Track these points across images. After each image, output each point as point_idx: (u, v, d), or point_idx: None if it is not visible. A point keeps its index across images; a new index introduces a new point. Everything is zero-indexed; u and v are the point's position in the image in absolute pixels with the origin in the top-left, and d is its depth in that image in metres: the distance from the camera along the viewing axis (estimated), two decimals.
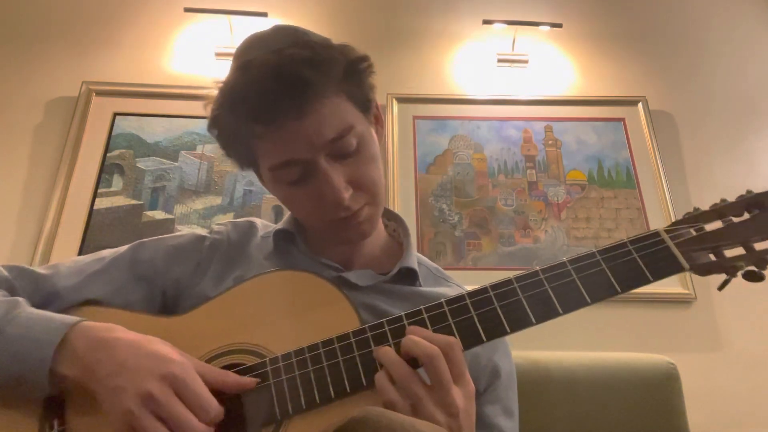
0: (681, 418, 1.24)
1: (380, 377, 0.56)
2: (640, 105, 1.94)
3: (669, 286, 1.67)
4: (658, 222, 1.75)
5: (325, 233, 0.75)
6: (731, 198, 0.62)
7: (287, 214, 0.85)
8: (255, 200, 1.76)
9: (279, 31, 0.72)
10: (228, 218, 1.72)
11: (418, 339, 0.56)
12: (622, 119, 1.93)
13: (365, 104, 0.73)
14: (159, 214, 1.72)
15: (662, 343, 1.60)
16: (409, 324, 0.59)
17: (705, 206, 0.63)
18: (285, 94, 0.64)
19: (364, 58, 0.72)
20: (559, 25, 1.95)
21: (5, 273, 0.71)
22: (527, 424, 1.21)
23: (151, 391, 0.53)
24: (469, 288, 0.86)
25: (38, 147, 1.78)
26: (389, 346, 0.58)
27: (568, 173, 1.85)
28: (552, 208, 1.79)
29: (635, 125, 1.91)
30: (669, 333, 1.63)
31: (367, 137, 0.71)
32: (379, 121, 0.79)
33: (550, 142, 1.90)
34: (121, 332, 0.60)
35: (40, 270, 0.73)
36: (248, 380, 0.59)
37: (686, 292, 1.66)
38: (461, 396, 0.55)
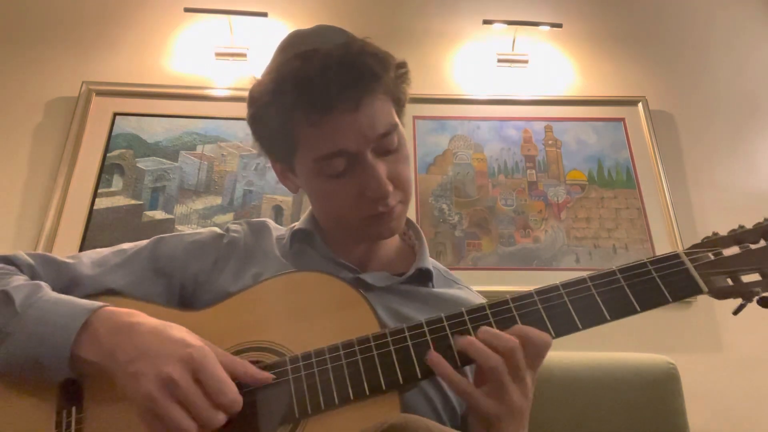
0: (681, 419, 1.25)
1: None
2: (640, 105, 1.94)
3: None
4: (658, 222, 1.75)
5: (355, 229, 0.75)
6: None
7: (304, 214, 0.85)
8: (255, 200, 1.76)
9: (329, 28, 0.75)
10: (228, 218, 1.72)
11: (497, 332, 0.57)
12: (622, 119, 1.93)
13: (401, 108, 0.76)
14: (159, 214, 1.72)
15: (662, 343, 1.60)
16: (429, 329, 0.60)
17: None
18: (350, 84, 0.65)
19: (405, 64, 0.75)
20: (559, 25, 1.95)
21: (29, 260, 0.72)
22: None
23: (170, 375, 0.53)
24: (475, 288, 0.87)
25: (38, 147, 1.78)
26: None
27: (568, 173, 1.85)
28: (552, 208, 1.79)
29: (635, 125, 1.91)
30: (669, 333, 1.63)
31: (404, 138, 0.74)
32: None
33: (550, 142, 1.90)
34: (142, 318, 0.61)
35: (64, 258, 0.75)
36: (265, 374, 0.59)
37: None
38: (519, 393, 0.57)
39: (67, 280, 0.71)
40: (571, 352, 1.36)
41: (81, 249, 1.62)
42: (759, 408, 1.56)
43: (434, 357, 0.58)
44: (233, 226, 0.85)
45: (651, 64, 2.04)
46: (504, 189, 1.82)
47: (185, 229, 1.69)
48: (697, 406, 1.33)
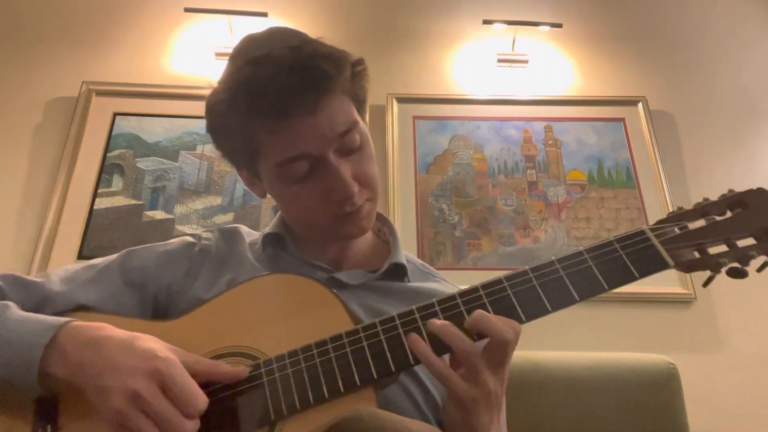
0: (681, 419, 1.25)
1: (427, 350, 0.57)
2: (640, 105, 1.94)
3: (669, 285, 1.67)
4: None
5: (325, 230, 0.75)
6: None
7: (274, 218, 0.85)
8: (255, 200, 1.76)
9: (282, 31, 0.74)
10: (228, 218, 1.72)
11: (494, 317, 0.57)
12: (622, 119, 1.93)
13: (362, 105, 0.75)
14: (159, 214, 1.72)
15: (662, 343, 1.60)
16: (401, 322, 0.60)
17: None
18: (304, 88, 0.65)
19: (362, 61, 0.74)
20: (559, 25, 1.95)
21: None
22: (527, 424, 1.21)
23: (136, 390, 0.53)
24: (461, 287, 0.87)
25: (38, 147, 1.78)
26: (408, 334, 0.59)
27: (568, 173, 1.85)
28: (552, 208, 1.79)
29: (635, 125, 1.91)
30: (669, 333, 1.63)
31: (366, 135, 0.73)
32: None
33: (550, 142, 1.90)
34: (110, 331, 0.60)
35: (32, 278, 0.73)
36: (239, 370, 0.59)
37: (686, 292, 1.66)
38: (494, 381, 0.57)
39: (37, 299, 0.70)
40: (571, 352, 1.36)
41: (81, 249, 1.62)
42: (759, 408, 1.56)
43: (414, 339, 0.58)
44: (205, 234, 0.84)
45: (651, 64, 2.04)
46: (504, 189, 1.82)
47: (186, 230, 1.69)
48: (697, 406, 1.33)
